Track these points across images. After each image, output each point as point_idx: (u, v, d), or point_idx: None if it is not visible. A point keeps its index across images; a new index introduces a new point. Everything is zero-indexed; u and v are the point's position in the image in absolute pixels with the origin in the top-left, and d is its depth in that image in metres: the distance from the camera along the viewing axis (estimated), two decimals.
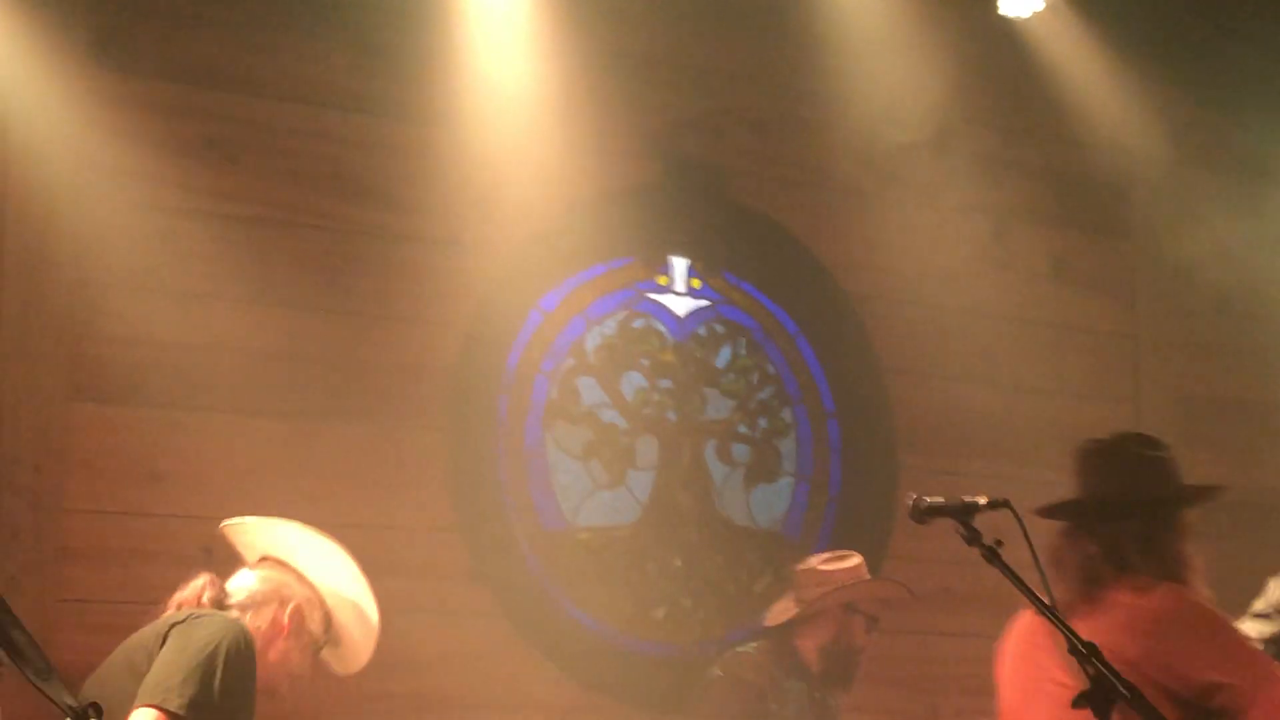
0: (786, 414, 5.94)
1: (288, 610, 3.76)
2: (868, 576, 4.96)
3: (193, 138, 5.05)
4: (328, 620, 3.83)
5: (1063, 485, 6.04)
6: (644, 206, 5.71)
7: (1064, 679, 3.41)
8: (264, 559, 3.87)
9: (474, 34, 5.32)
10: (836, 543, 5.74)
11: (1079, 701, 2.72)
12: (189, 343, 4.94)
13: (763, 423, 5.89)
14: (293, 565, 3.83)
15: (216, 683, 3.43)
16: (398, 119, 5.29)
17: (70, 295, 4.79)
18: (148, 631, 3.64)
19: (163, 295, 4.94)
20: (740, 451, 5.85)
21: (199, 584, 3.83)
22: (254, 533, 3.89)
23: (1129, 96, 6.11)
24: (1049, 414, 6.23)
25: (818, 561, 4.95)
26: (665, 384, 5.76)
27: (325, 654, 3.90)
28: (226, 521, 3.85)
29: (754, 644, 4.92)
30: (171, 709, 3.37)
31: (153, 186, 4.95)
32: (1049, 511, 3.70)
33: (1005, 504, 2.98)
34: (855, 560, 4.93)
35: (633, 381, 5.72)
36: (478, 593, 5.30)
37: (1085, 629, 3.09)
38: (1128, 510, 3.58)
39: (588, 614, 5.53)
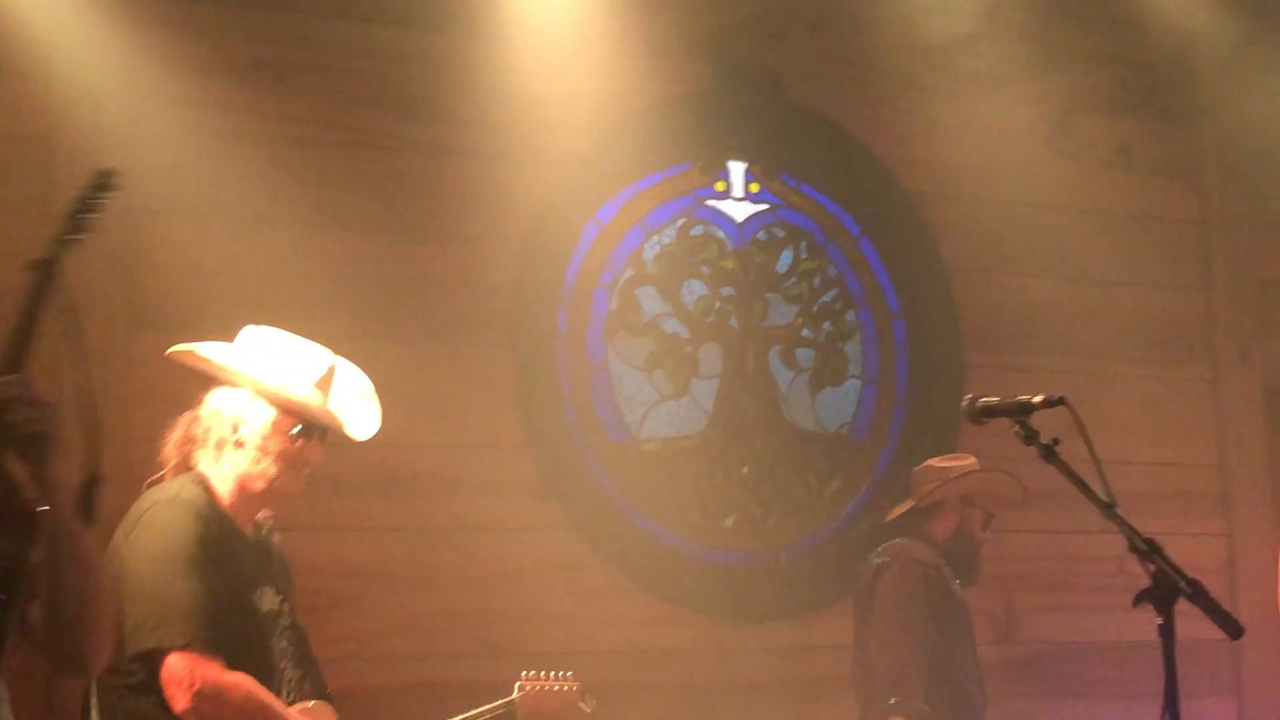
0: (851, 317, 5.87)
1: (228, 426, 3.68)
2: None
3: (240, 59, 5.02)
4: (272, 409, 3.68)
5: (1137, 378, 6.05)
6: (699, 111, 5.62)
7: None
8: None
9: None
10: (905, 445, 5.71)
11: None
12: (245, 268, 4.93)
13: (827, 326, 5.82)
14: (221, 378, 3.73)
15: (192, 577, 3.45)
16: (444, 32, 5.23)
17: (124, 224, 4.77)
18: (111, 550, 3.57)
19: (217, 220, 4.94)
20: (805, 356, 5.79)
21: (179, 426, 3.74)
22: (202, 362, 3.77)
23: None
24: (1120, 305, 6.13)
25: (934, 460, 5.05)
26: (727, 291, 5.69)
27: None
28: (171, 351, 3.78)
29: (897, 538, 4.92)
30: (181, 644, 3.42)
31: (201, 111, 4.93)
32: None
33: (1061, 401, 2.93)
34: (970, 460, 5.03)
35: (693, 290, 5.67)
36: (547, 507, 5.29)
37: None
38: None
39: (658, 525, 5.51)
